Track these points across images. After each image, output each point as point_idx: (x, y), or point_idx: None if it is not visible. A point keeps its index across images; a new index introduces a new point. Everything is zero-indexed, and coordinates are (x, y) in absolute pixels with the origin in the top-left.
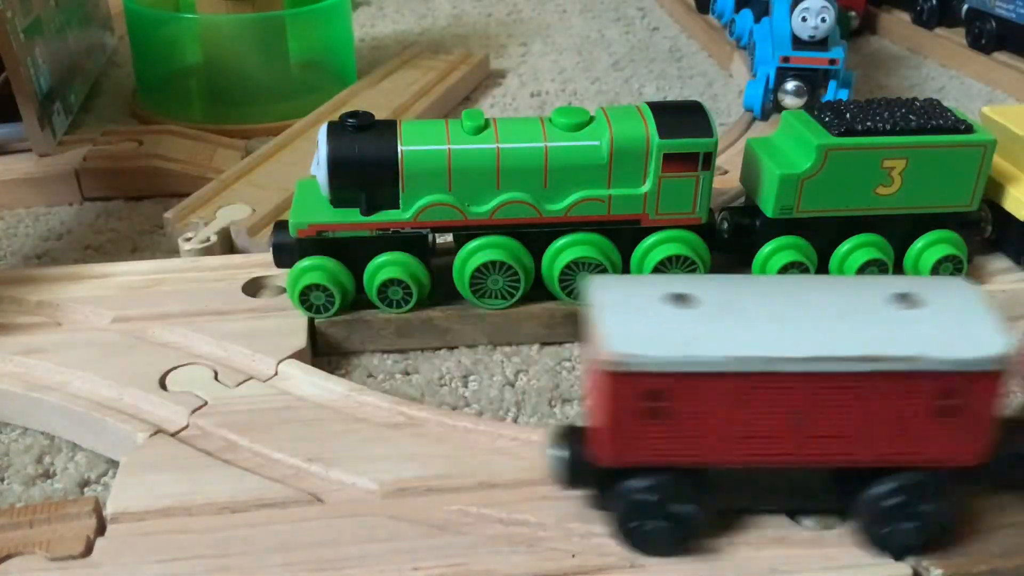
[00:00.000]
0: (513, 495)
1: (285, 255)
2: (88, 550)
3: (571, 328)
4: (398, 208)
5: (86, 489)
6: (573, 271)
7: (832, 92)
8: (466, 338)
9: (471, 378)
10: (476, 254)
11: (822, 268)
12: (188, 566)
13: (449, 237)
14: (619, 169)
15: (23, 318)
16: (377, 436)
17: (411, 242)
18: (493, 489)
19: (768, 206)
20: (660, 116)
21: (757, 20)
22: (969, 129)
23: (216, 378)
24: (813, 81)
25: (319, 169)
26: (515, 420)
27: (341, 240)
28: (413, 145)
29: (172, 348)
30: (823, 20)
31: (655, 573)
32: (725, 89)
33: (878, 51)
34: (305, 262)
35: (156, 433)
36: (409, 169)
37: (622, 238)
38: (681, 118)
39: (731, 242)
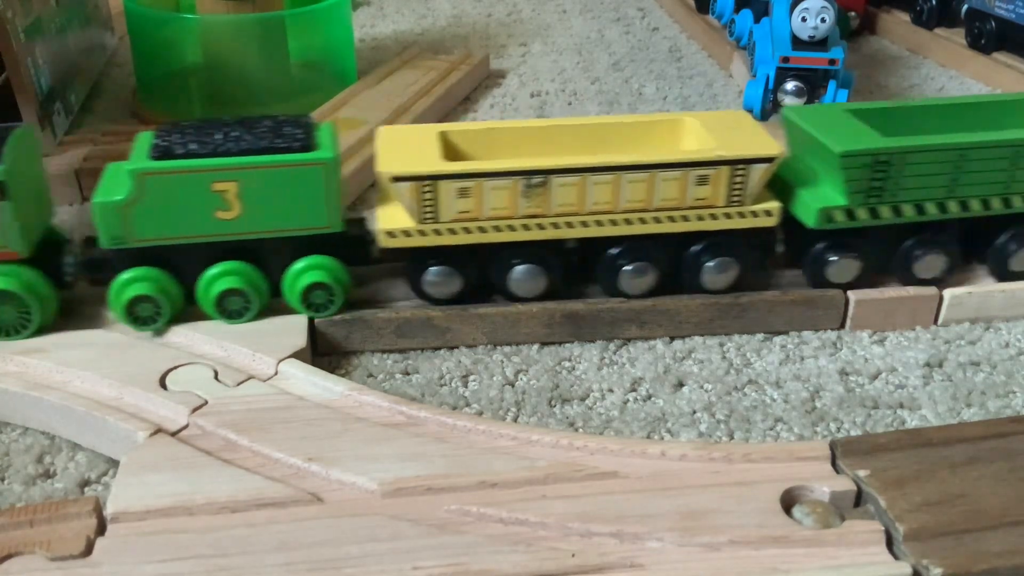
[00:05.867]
0: (513, 495)
1: (100, 271)
2: (88, 550)
3: (571, 328)
4: None
5: (86, 489)
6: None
7: (832, 92)
8: (466, 338)
9: (471, 378)
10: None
11: (190, 297)
12: (188, 566)
13: None
14: None
15: None
16: (377, 436)
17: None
18: (493, 489)
19: (100, 237)
20: None
21: (757, 20)
22: (308, 148)
23: (216, 378)
24: (813, 81)
25: None
26: (515, 420)
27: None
28: None
29: (172, 348)
30: (823, 20)
31: (655, 572)
32: (725, 89)
33: (878, 51)
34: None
35: (156, 432)
36: None
37: None
38: None
39: (89, 274)
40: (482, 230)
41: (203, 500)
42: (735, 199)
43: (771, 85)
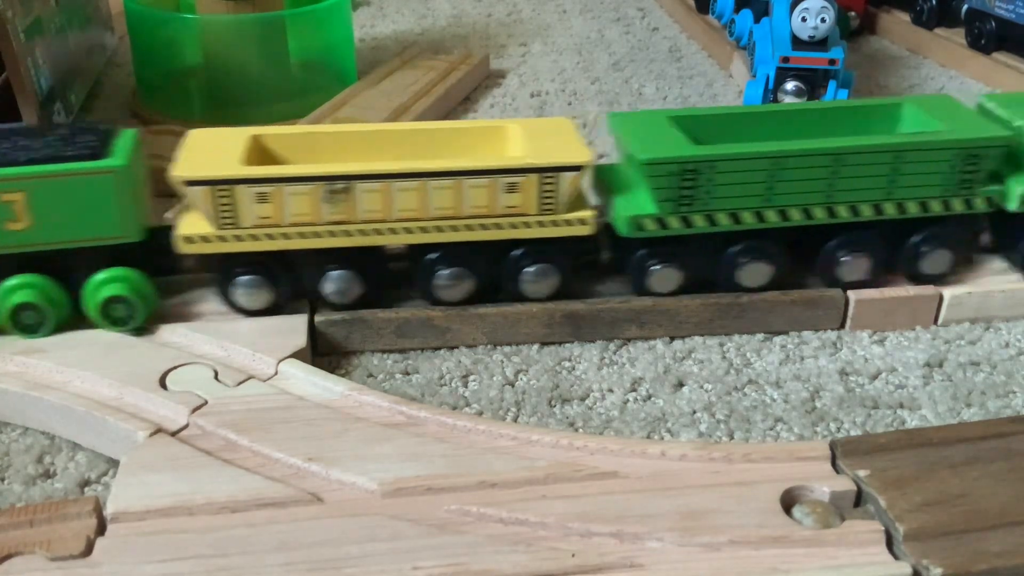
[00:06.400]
0: (513, 495)
1: None
2: (88, 550)
3: (571, 328)
4: None
5: (86, 489)
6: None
7: (832, 92)
8: (466, 338)
9: (471, 378)
10: None
11: None
12: (188, 566)
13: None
14: None
15: None
16: (377, 436)
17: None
18: (493, 489)
19: None
20: None
21: (757, 20)
22: (99, 156)
23: (216, 377)
24: (813, 81)
25: None
26: (515, 420)
27: None
28: None
29: (172, 348)
30: (823, 20)
31: (655, 572)
32: (725, 89)
33: (878, 51)
34: None
35: (156, 432)
36: None
37: None
38: None
39: None
40: (286, 236)
41: (203, 500)
42: (547, 207)
43: (771, 85)
